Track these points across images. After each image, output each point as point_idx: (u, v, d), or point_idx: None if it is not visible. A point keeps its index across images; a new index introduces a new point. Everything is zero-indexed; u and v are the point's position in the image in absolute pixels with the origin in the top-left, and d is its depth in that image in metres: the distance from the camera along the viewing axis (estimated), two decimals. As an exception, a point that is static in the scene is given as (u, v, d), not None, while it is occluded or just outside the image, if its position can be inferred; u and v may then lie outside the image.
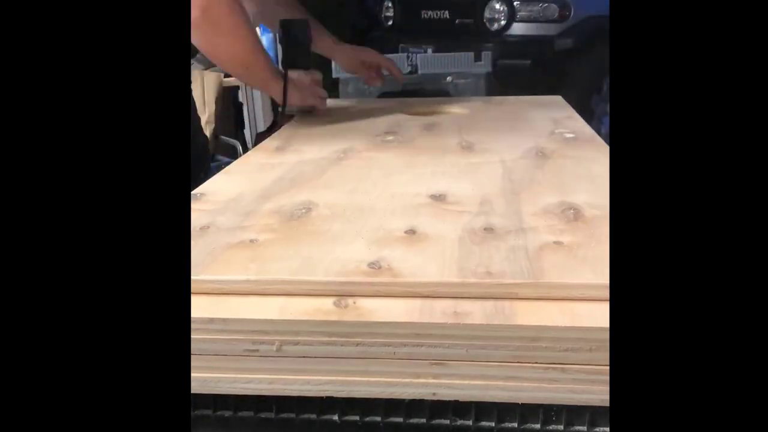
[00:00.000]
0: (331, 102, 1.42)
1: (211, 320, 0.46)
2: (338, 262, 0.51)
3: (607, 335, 0.42)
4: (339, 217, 0.62)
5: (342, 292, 0.48)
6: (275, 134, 1.08)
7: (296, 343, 0.46)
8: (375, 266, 0.50)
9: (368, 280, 0.48)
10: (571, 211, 0.61)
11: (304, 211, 0.64)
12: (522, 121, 1.12)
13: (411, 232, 0.57)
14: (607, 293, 0.44)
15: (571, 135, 0.96)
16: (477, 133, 1.00)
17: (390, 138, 0.99)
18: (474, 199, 0.66)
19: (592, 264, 0.49)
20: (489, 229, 0.57)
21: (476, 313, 0.45)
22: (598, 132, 0.96)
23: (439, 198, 0.67)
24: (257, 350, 0.46)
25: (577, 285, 0.46)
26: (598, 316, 0.44)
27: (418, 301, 0.47)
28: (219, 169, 0.84)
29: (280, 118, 1.15)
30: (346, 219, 0.62)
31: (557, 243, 0.53)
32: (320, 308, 0.47)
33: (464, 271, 0.49)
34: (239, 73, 1.12)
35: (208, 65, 2.12)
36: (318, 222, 0.61)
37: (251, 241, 0.57)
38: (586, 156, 0.84)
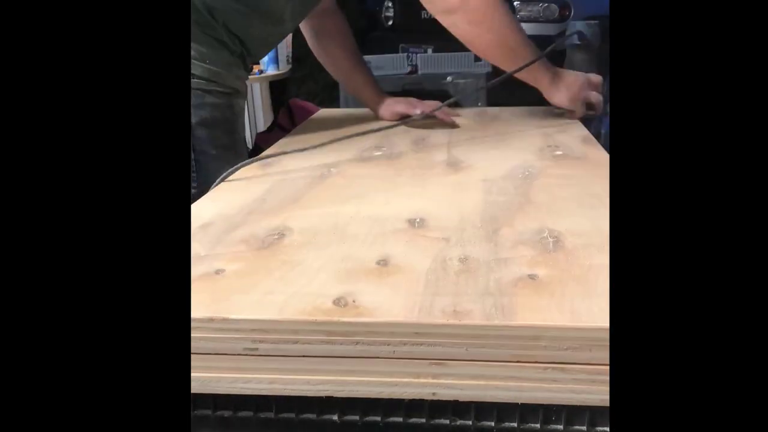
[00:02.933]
0: (332, 111, 1.42)
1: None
2: (302, 298, 0.48)
3: (607, 335, 0.42)
4: (311, 244, 0.60)
5: (301, 331, 0.46)
6: (277, 143, 1.10)
7: (296, 343, 0.46)
8: (340, 303, 0.47)
9: (328, 319, 0.46)
10: (551, 239, 0.59)
11: (276, 237, 0.62)
12: (515, 135, 1.10)
13: (383, 262, 0.55)
14: (569, 333, 0.43)
15: (560, 152, 0.96)
16: (466, 149, 0.99)
17: (377, 153, 0.98)
18: (452, 225, 0.64)
19: (561, 303, 0.47)
20: (463, 260, 0.55)
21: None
22: (598, 132, 0.96)
23: (416, 224, 0.65)
24: (257, 349, 0.46)
25: (544, 327, 0.44)
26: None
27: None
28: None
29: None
30: (318, 247, 0.59)
31: (531, 277, 0.51)
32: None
33: (433, 310, 0.46)
34: (502, 54, 1.08)
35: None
36: (289, 251, 0.59)
37: (216, 272, 0.54)
38: (573, 175, 0.83)
